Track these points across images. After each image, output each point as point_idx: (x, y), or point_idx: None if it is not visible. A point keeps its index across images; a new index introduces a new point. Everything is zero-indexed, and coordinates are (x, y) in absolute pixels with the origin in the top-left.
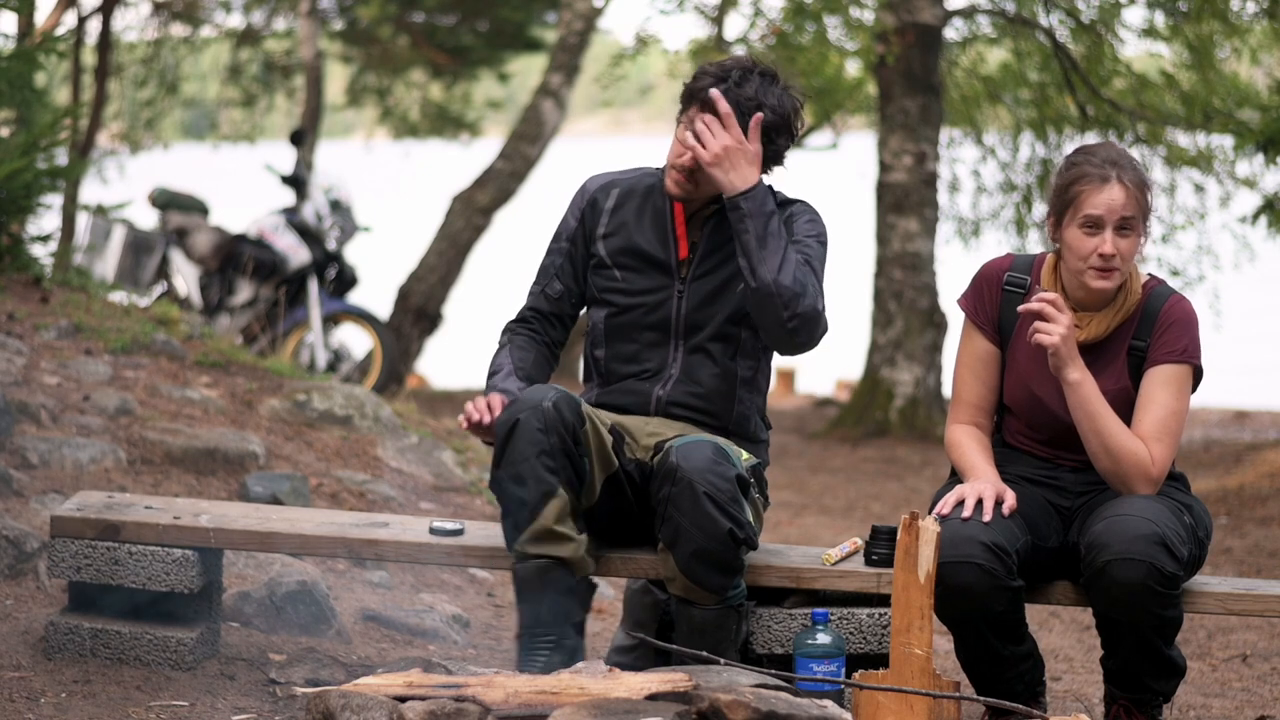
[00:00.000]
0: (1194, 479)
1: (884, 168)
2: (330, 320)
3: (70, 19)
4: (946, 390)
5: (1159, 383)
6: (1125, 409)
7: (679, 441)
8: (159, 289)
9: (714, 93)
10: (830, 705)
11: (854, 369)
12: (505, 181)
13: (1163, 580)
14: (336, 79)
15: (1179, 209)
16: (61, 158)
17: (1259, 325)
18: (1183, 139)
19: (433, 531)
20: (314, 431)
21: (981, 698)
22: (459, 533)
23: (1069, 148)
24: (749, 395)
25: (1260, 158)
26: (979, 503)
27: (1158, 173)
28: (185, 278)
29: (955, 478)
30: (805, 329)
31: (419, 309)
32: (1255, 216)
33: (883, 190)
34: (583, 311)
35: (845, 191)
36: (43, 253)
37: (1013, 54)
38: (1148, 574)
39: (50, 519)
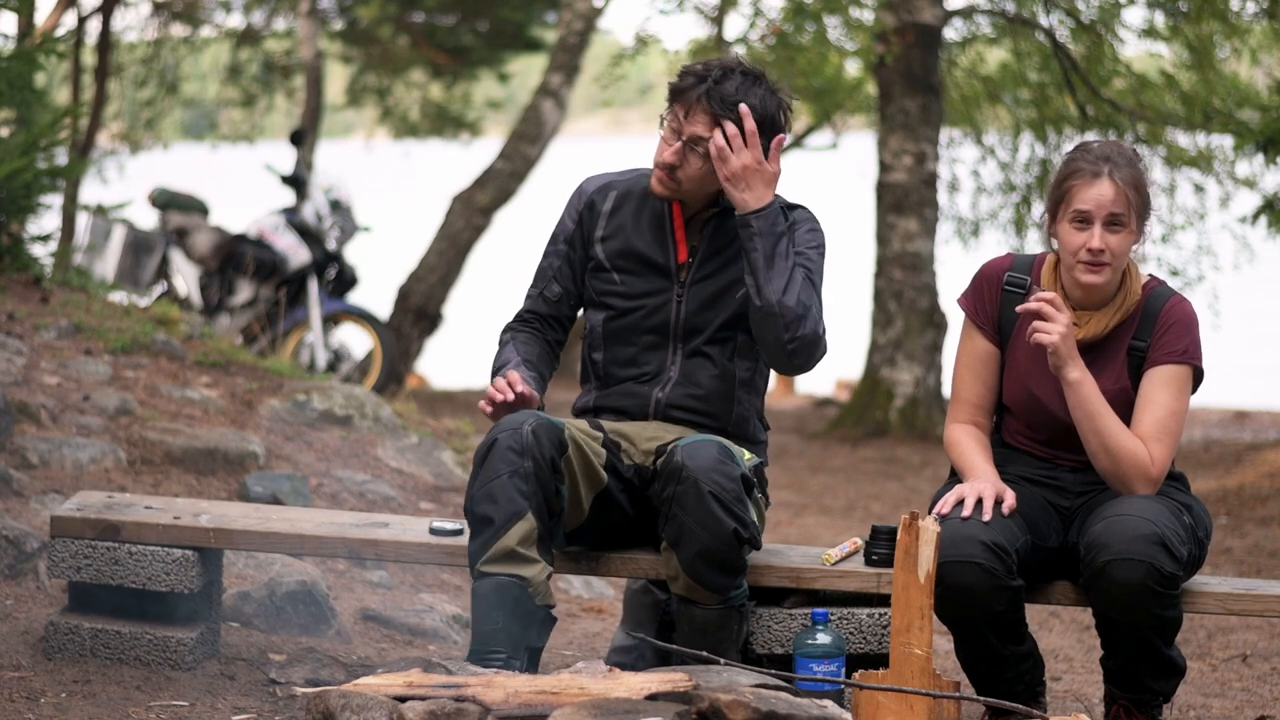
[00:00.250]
0: (1194, 479)
1: (884, 168)
2: (330, 320)
3: (70, 19)
4: (946, 390)
5: (1159, 383)
6: (1125, 409)
7: (684, 441)
8: (159, 289)
9: (743, 108)
10: (830, 705)
11: (854, 369)
12: (505, 181)
13: (1162, 580)
14: (336, 79)
15: (1179, 209)
16: (61, 158)
17: (1259, 325)
18: (1183, 139)
19: (433, 531)
20: (314, 431)
21: (981, 698)
22: (459, 533)
23: (1068, 148)
24: (748, 397)
25: (1260, 158)
26: (979, 502)
27: (1158, 173)
28: (185, 278)
29: (955, 478)
30: (804, 351)
31: (419, 309)
32: (1255, 217)
33: (883, 190)
34: (580, 312)
35: (845, 191)
36: (43, 253)
37: (1012, 54)
38: (1147, 574)
39: (50, 519)
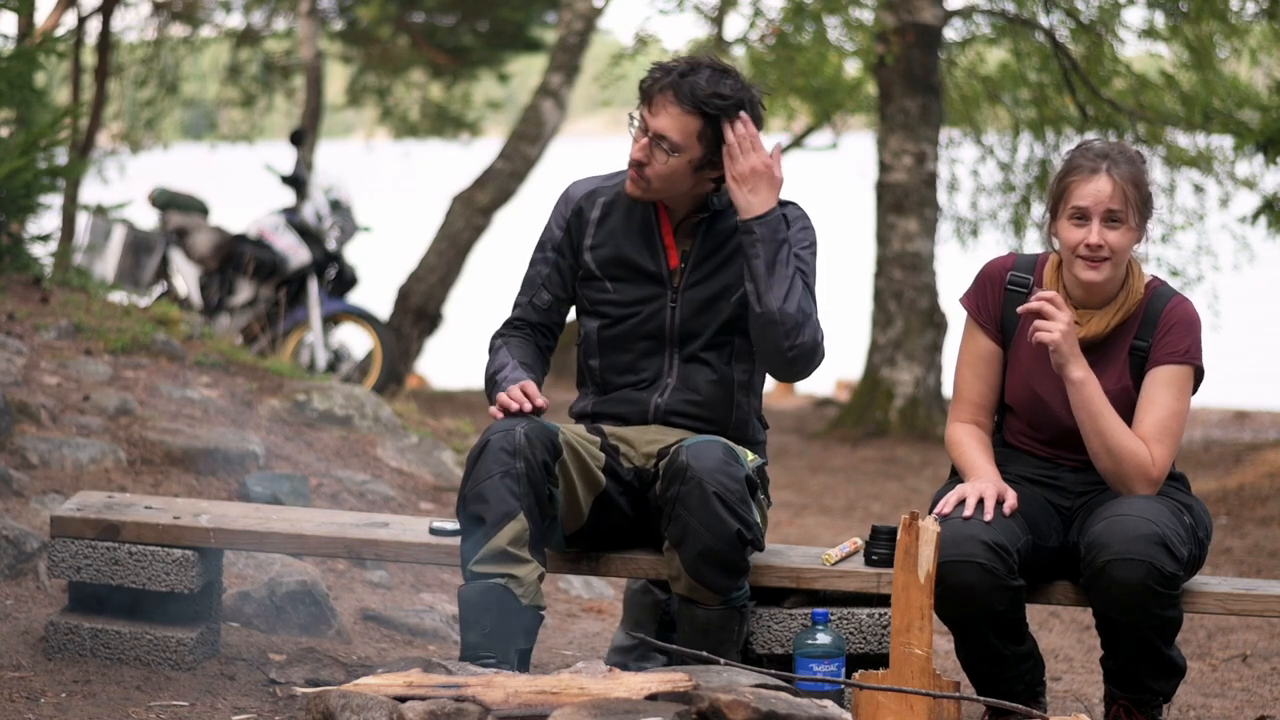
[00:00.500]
0: (1194, 479)
1: (884, 168)
2: (330, 320)
3: (70, 19)
4: (947, 390)
5: (1160, 383)
6: (1126, 409)
7: (689, 441)
8: (159, 289)
9: (742, 114)
10: (830, 705)
11: (854, 369)
12: (505, 181)
13: (1162, 580)
14: (336, 79)
15: (1179, 209)
16: (61, 157)
17: (1259, 326)
18: (1182, 139)
19: (433, 531)
20: (314, 431)
21: (981, 698)
22: (459, 533)
23: (1068, 148)
24: (746, 399)
25: (1260, 158)
26: (980, 502)
27: (1158, 173)
28: (185, 278)
29: (955, 477)
30: (803, 359)
31: (419, 309)
32: (1255, 217)
33: (883, 190)
34: (570, 317)
35: (845, 191)
36: (43, 253)
37: (1012, 54)
38: (1147, 574)
39: (50, 519)
